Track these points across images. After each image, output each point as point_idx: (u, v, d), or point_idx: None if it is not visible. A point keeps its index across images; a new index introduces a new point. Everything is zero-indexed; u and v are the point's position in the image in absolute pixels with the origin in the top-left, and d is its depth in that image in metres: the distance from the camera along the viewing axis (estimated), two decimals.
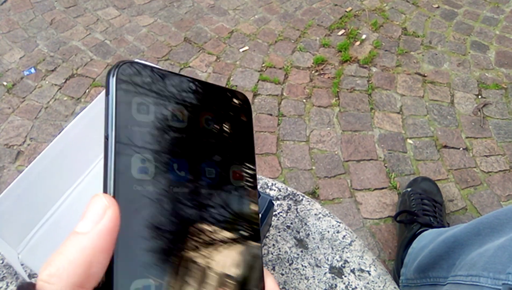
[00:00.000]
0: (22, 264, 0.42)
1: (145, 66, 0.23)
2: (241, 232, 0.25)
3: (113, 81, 0.22)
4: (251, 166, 0.27)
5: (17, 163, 1.37)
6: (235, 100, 0.27)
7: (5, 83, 1.62)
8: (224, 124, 0.26)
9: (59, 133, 0.44)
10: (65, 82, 1.64)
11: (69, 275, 0.17)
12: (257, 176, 0.27)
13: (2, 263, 0.63)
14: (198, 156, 0.24)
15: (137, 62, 0.23)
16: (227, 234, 0.24)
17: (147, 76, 0.23)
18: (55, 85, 1.62)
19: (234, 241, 0.25)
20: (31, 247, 0.43)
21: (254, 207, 0.27)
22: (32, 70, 1.67)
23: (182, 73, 1.64)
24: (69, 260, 0.17)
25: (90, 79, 1.65)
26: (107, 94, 0.22)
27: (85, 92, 1.60)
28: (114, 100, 0.21)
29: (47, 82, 1.63)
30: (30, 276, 0.61)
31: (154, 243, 0.21)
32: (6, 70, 1.67)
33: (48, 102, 1.56)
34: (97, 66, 1.70)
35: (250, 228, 0.26)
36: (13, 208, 0.41)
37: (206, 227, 0.24)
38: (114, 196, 0.20)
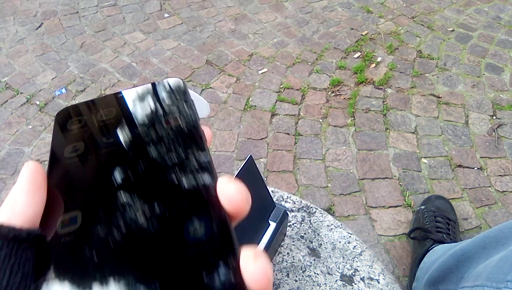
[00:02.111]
0: None
1: (77, 106, 0.26)
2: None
3: (53, 131, 0.26)
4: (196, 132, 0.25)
5: None
6: (162, 94, 0.27)
7: (38, 102, 1.72)
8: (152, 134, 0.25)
9: None
10: None
11: None
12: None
13: None
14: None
15: (70, 106, 0.27)
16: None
17: (78, 118, 0.26)
18: None
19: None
20: None
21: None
22: (63, 90, 1.78)
23: (204, 94, 1.72)
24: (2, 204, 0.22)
25: None
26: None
27: None
28: (51, 144, 0.25)
29: (77, 101, 1.73)
30: None
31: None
32: (39, 90, 1.78)
33: None
34: (123, 87, 1.80)
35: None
36: None
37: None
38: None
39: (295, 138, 1.59)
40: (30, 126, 1.63)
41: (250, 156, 0.61)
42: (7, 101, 1.73)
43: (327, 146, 1.56)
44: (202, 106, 0.59)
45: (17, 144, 1.57)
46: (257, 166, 0.65)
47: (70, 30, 2.10)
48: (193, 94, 0.59)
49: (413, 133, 1.61)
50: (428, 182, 1.45)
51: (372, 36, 2.06)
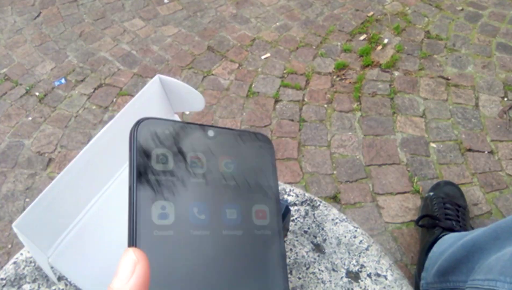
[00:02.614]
0: (51, 267, 0.46)
1: (164, 120, 0.26)
2: (264, 273, 0.25)
3: (134, 137, 0.24)
4: (274, 203, 0.27)
5: (48, 170, 1.43)
6: (255, 142, 0.28)
7: (37, 94, 1.70)
8: (244, 166, 0.27)
9: (87, 143, 0.47)
10: (93, 91, 1.70)
11: None
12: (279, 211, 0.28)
13: (35, 265, 0.67)
14: (218, 199, 0.25)
15: (156, 118, 0.25)
16: (249, 276, 0.25)
17: (166, 129, 0.25)
18: (84, 94, 1.69)
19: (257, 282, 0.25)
20: (60, 251, 0.47)
21: (278, 248, 0.26)
22: (63, 81, 1.75)
23: (205, 81, 1.68)
24: None
25: (117, 88, 1.71)
26: (130, 149, 0.24)
27: (113, 101, 1.66)
28: (135, 154, 0.24)
29: (76, 92, 1.70)
30: (59, 278, 0.65)
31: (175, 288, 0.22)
32: (38, 81, 1.75)
33: (78, 111, 1.63)
34: (124, 76, 1.76)
35: (273, 269, 0.25)
36: (44, 215, 0.44)
37: (228, 270, 0.24)
38: (135, 244, 0.22)
39: (300, 125, 1.55)
40: (30, 118, 1.61)
41: None
42: (6, 92, 1.71)
43: (333, 132, 1.52)
44: (196, 99, 0.56)
45: (17, 136, 1.55)
46: None
47: (68, 19, 2.05)
48: (186, 87, 0.55)
49: (421, 117, 1.56)
50: (437, 167, 1.41)
51: (378, 17, 2.00)
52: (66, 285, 0.65)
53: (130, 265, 0.20)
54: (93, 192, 0.50)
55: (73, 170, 0.46)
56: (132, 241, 0.22)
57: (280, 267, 0.26)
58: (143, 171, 0.24)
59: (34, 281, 0.66)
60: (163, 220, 0.23)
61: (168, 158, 0.25)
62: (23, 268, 0.67)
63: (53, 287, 0.65)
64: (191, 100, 0.56)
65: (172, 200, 0.24)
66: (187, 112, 1.60)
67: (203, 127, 0.27)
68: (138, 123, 0.25)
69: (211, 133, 0.27)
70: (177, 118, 0.58)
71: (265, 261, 0.25)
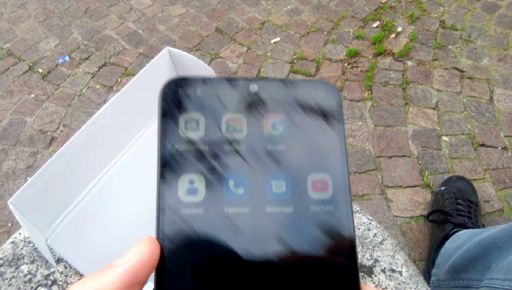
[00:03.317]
0: (50, 249, 0.42)
1: (196, 78, 0.22)
2: (328, 264, 0.20)
3: (160, 100, 0.21)
4: (340, 171, 0.21)
5: (50, 149, 1.40)
6: (314, 92, 0.23)
7: (40, 70, 1.66)
8: (298, 125, 0.22)
9: (89, 119, 0.43)
10: (98, 70, 1.66)
11: None
12: (348, 183, 0.21)
13: (33, 246, 0.64)
14: (261, 168, 0.21)
15: (185, 78, 0.22)
16: (301, 266, 0.20)
17: (196, 89, 0.22)
18: (88, 73, 1.65)
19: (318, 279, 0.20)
20: (59, 232, 0.43)
21: (346, 231, 0.21)
22: (67, 58, 1.70)
23: (213, 64, 1.64)
24: (91, 283, 0.19)
25: (122, 68, 1.67)
26: (158, 115, 0.21)
27: (117, 80, 1.62)
28: (161, 120, 0.21)
29: (80, 70, 1.66)
30: (58, 260, 0.62)
31: (204, 277, 0.19)
32: (41, 58, 1.71)
33: (81, 90, 1.59)
34: (129, 55, 1.71)
35: (341, 257, 0.20)
36: (42, 193, 0.41)
37: (271, 259, 0.20)
38: (159, 225, 0.20)
39: None
40: (33, 95, 1.57)
41: None
42: (8, 68, 1.67)
43: None
44: (206, 74, 0.52)
45: (19, 114, 1.51)
46: None
47: None
48: (198, 62, 0.51)
49: (434, 109, 1.52)
50: (448, 161, 1.37)
51: (393, 4, 1.94)
52: (65, 267, 0.62)
53: (136, 249, 0.19)
54: (95, 171, 0.46)
55: (74, 146, 0.43)
56: (156, 222, 0.20)
57: (346, 257, 0.20)
58: (169, 140, 0.21)
59: (32, 262, 0.62)
60: (191, 196, 0.20)
61: (199, 123, 0.21)
62: (21, 248, 0.64)
63: (52, 269, 0.61)
64: (202, 75, 0.52)
65: (202, 173, 0.20)
66: None
67: (245, 81, 0.22)
68: (166, 84, 0.21)
69: (254, 87, 0.22)
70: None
71: (324, 248, 0.20)
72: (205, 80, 0.22)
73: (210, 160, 0.21)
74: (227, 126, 0.21)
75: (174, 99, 0.21)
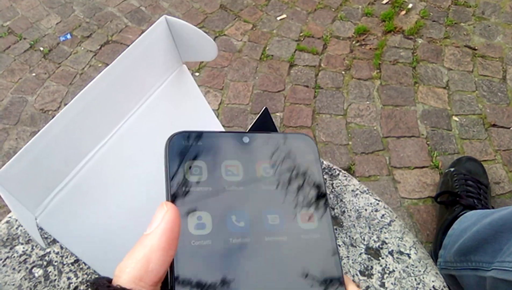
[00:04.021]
0: (40, 229, 0.40)
1: (197, 132, 0.26)
2: (315, 281, 0.24)
3: (167, 151, 0.24)
4: (322, 204, 0.26)
5: None
6: (295, 143, 0.27)
7: (41, 48, 1.62)
8: (284, 169, 0.26)
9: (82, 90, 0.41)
10: (100, 48, 1.63)
11: (131, 269, 0.20)
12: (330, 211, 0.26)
13: None
14: (257, 205, 0.24)
15: (189, 131, 0.26)
16: (298, 284, 0.23)
17: (200, 141, 0.25)
18: (90, 51, 1.62)
19: None
20: (50, 210, 0.41)
21: (330, 251, 0.25)
22: (68, 36, 1.67)
23: (217, 41, 1.59)
24: (133, 257, 0.21)
25: (124, 46, 1.63)
26: (164, 164, 0.24)
27: None
28: (168, 168, 0.24)
29: (82, 48, 1.63)
30: (54, 241, 0.60)
31: None
32: (43, 36, 1.67)
33: (83, 68, 1.56)
34: (131, 33, 1.68)
35: (326, 275, 0.24)
36: (31, 169, 0.38)
37: (273, 277, 0.23)
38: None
39: (315, 91, 1.47)
40: (34, 74, 1.54)
41: (266, 108, 0.51)
42: (9, 47, 1.64)
43: (350, 101, 1.44)
44: (208, 47, 0.49)
45: (20, 92, 1.49)
46: (273, 120, 0.55)
47: None
48: (197, 32, 0.48)
49: (445, 88, 1.47)
50: (458, 142, 1.34)
51: None
52: (61, 248, 0.60)
53: (161, 212, 0.22)
54: (89, 146, 0.44)
55: (66, 118, 0.40)
56: None
57: (334, 273, 0.24)
58: (177, 185, 0.24)
59: (27, 242, 0.61)
60: (200, 230, 0.23)
61: (202, 169, 0.25)
62: (16, 228, 0.62)
63: (48, 249, 0.60)
64: (202, 47, 0.49)
65: (208, 210, 0.24)
66: (197, 74, 1.52)
67: (238, 134, 0.26)
68: (172, 137, 0.25)
69: (246, 139, 0.26)
70: (193, 82, 0.53)
71: (315, 267, 0.24)
72: (205, 134, 0.26)
73: (214, 199, 0.24)
74: (226, 170, 0.25)
75: (180, 149, 0.25)
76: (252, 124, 0.51)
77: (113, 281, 0.21)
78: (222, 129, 0.59)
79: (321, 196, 0.26)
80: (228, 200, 0.24)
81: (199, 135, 0.25)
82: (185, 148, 0.25)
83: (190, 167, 0.24)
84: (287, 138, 0.27)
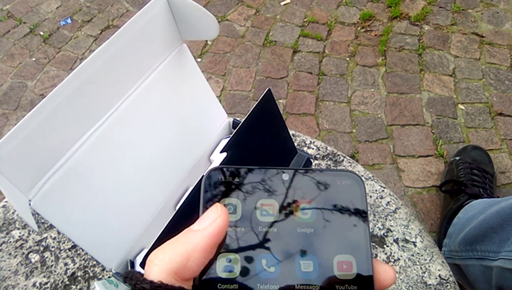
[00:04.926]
0: (33, 212, 0.39)
1: (235, 168, 0.25)
2: None
3: (203, 188, 0.24)
4: (364, 253, 0.23)
5: None
6: (341, 181, 0.25)
7: (41, 33, 1.60)
8: (325, 211, 0.24)
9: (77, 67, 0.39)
10: (100, 33, 1.60)
11: (170, 261, 0.20)
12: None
13: None
14: (291, 249, 0.23)
15: (224, 167, 0.25)
16: None
17: (236, 177, 0.24)
18: (91, 36, 1.59)
19: None
20: (44, 193, 0.39)
21: None
22: (69, 21, 1.64)
23: (219, 27, 1.57)
24: (173, 248, 0.21)
25: None
26: (198, 200, 0.24)
27: None
28: (202, 205, 0.23)
29: (82, 32, 1.60)
30: (50, 226, 0.59)
31: None
32: (43, 20, 1.65)
33: (84, 53, 1.54)
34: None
35: None
36: (24, 148, 0.36)
37: None
38: None
39: (319, 78, 1.44)
40: (34, 59, 1.52)
41: (269, 89, 0.49)
42: (9, 31, 1.61)
43: (354, 88, 1.42)
44: (209, 24, 0.47)
45: (20, 77, 1.47)
46: None
47: None
48: (198, 8, 0.46)
49: (451, 76, 1.44)
50: (464, 130, 1.31)
51: None
52: (58, 233, 0.59)
53: (214, 214, 0.22)
54: (85, 126, 0.42)
55: (60, 96, 0.38)
56: None
57: None
58: None
59: (24, 227, 0.59)
60: (228, 273, 0.22)
61: (237, 207, 0.24)
62: (13, 213, 0.61)
63: (45, 235, 0.58)
64: (203, 25, 0.47)
65: (237, 252, 0.23)
66: (199, 60, 1.50)
67: (278, 170, 0.25)
68: (209, 172, 0.24)
69: (285, 176, 0.25)
70: (193, 62, 0.51)
71: None
72: (243, 169, 0.25)
73: (245, 240, 0.23)
74: (261, 210, 0.24)
75: (216, 186, 0.24)
76: (254, 106, 0.49)
77: (146, 267, 0.21)
78: (224, 113, 0.57)
79: (363, 242, 0.24)
80: (260, 242, 0.23)
81: (237, 170, 0.25)
82: (221, 185, 0.24)
83: (224, 205, 0.23)
84: (332, 176, 0.25)
